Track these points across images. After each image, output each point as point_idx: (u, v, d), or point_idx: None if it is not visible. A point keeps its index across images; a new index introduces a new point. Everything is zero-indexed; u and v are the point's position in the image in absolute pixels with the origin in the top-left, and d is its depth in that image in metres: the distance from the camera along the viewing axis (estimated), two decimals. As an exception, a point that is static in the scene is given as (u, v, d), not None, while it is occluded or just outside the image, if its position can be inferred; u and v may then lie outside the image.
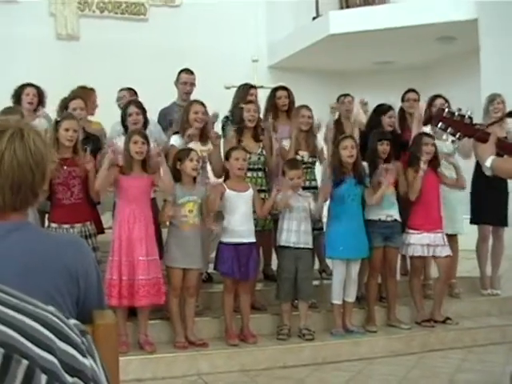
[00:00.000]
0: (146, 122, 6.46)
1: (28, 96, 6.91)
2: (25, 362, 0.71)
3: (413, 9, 10.19)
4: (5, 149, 1.80)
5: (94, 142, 6.49)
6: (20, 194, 1.86)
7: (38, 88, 7.04)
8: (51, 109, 6.88)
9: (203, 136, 6.56)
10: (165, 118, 7.26)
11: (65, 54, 10.91)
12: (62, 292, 1.86)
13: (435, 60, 11.98)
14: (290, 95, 7.55)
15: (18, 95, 6.93)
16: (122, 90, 7.59)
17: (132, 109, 6.39)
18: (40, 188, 1.92)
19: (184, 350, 5.88)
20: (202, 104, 6.58)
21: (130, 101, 6.77)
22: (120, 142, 6.12)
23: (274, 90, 7.70)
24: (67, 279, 1.88)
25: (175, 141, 6.50)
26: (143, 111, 6.43)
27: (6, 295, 0.75)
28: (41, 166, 1.87)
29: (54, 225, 5.71)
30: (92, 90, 7.51)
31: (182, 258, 5.88)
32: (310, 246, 6.37)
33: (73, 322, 0.81)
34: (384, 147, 6.57)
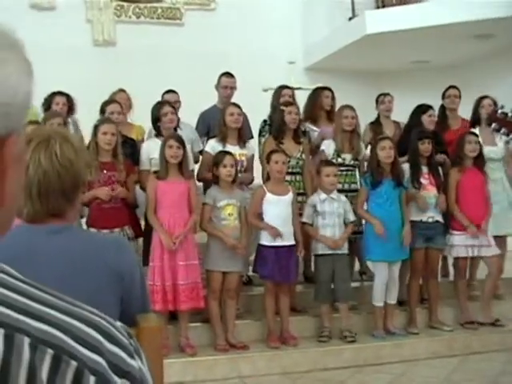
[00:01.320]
0: (177, 125, 6.52)
1: (58, 106, 6.92)
2: (74, 364, 0.71)
3: (449, 7, 10.07)
4: (30, 158, 1.85)
5: (131, 145, 6.52)
6: (50, 200, 1.90)
7: (67, 96, 7.07)
8: (86, 116, 6.93)
9: (241, 139, 6.56)
10: (204, 121, 7.28)
11: (102, 60, 10.96)
12: (105, 292, 1.87)
13: (472, 58, 11.83)
14: (333, 96, 7.54)
15: (48, 104, 6.95)
16: (167, 92, 7.55)
17: (167, 108, 6.43)
18: (75, 193, 1.96)
19: (225, 352, 5.89)
20: (238, 106, 6.60)
21: (162, 101, 6.80)
22: (154, 144, 6.15)
23: (319, 89, 7.68)
24: (110, 279, 1.89)
25: (211, 146, 6.52)
26: (176, 114, 6.50)
27: (51, 297, 0.76)
28: (70, 172, 1.91)
29: (92, 229, 5.70)
30: (123, 90, 7.50)
31: (222, 261, 5.90)
32: (346, 251, 6.34)
33: (119, 324, 0.81)
34: (425, 146, 6.50)
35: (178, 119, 6.55)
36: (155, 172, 5.99)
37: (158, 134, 6.43)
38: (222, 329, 5.99)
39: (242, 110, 6.60)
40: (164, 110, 6.42)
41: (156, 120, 6.45)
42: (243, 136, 6.66)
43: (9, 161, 0.79)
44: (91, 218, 5.85)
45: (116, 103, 6.73)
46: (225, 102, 7.27)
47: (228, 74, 7.52)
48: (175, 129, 6.45)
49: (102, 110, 6.60)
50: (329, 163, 6.42)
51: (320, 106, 7.48)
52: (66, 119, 6.53)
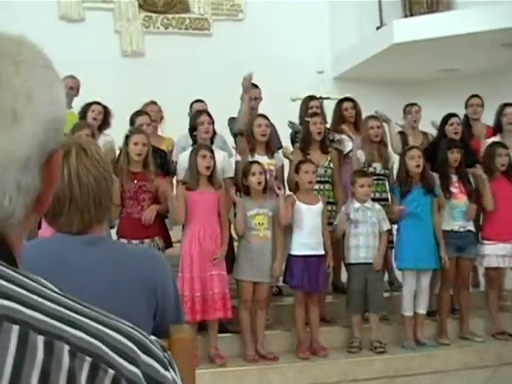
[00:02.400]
0: (214, 134, 6.49)
1: (93, 112, 6.99)
2: (111, 372, 0.72)
3: (478, 15, 10.02)
4: (77, 168, 1.88)
5: (162, 156, 6.54)
6: (102, 205, 1.93)
7: (104, 107, 7.13)
8: (115, 127, 6.98)
9: (269, 150, 6.57)
10: (234, 125, 7.27)
11: (130, 71, 11.02)
12: (139, 305, 1.88)
13: (501, 66, 11.75)
14: (355, 106, 7.53)
15: (84, 112, 7.03)
16: (196, 101, 7.56)
17: (204, 117, 6.40)
18: (113, 192, 2.05)
19: (254, 363, 5.89)
20: (266, 117, 6.59)
21: (200, 110, 6.80)
22: (185, 157, 6.17)
23: (340, 101, 7.71)
24: (145, 293, 1.90)
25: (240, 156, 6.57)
26: (213, 123, 6.45)
27: (85, 308, 0.77)
28: (110, 173, 1.98)
29: (123, 240, 5.73)
30: (154, 102, 7.51)
31: (252, 272, 5.91)
32: (379, 265, 6.32)
33: (153, 337, 0.82)
34: (455, 156, 6.47)
35: (215, 132, 6.50)
36: (184, 182, 5.99)
37: (195, 143, 6.38)
38: (251, 339, 5.98)
39: (269, 120, 6.59)
40: (201, 118, 6.39)
41: (193, 129, 6.44)
42: (271, 147, 6.65)
43: (57, 173, 0.84)
44: (121, 228, 5.89)
45: (145, 115, 6.74)
46: (251, 113, 7.27)
47: (252, 85, 7.49)
48: (212, 140, 6.43)
49: (132, 122, 6.62)
50: (363, 173, 6.42)
51: (343, 118, 7.49)
52: (94, 130, 6.57)
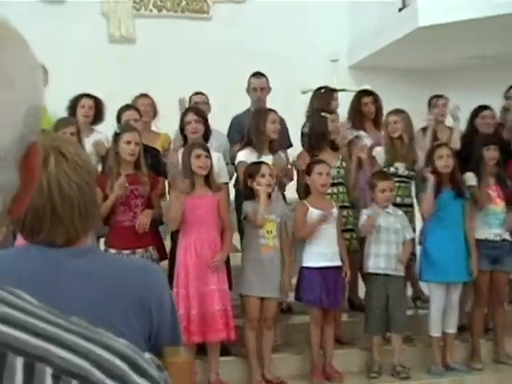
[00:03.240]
0: (207, 133, 6.50)
1: (83, 108, 6.99)
2: None
3: (513, -5, 10.02)
4: (57, 175, 1.86)
5: (154, 156, 6.53)
6: (87, 214, 1.91)
7: (95, 99, 7.13)
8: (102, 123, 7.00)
9: (273, 148, 6.56)
10: (237, 127, 7.28)
11: (119, 59, 10.99)
12: (132, 325, 1.87)
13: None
14: (376, 100, 7.53)
15: (73, 107, 7.03)
16: (196, 93, 7.65)
17: (190, 116, 6.43)
18: (97, 198, 2.03)
19: (261, 389, 5.89)
20: (276, 112, 6.61)
21: (188, 108, 6.83)
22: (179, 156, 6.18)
23: (359, 95, 7.72)
24: (138, 311, 1.89)
25: (244, 156, 6.50)
26: (204, 120, 6.47)
27: (72, 324, 0.77)
28: (93, 176, 1.98)
29: (112, 250, 5.71)
30: (145, 95, 7.51)
31: (259, 285, 5.91)
32: (402, 273, 6.31)
33: (147, 355, 0.81)
34: (491, 153, 6.45)
35: (207, 128, 6.52)
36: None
37: (186, 143, 6.43)
38: (257, 363, 5.98)
39: (279, 116, 6.62)
40: (188, 117, 6.45)
41: (182, 129, 6.51)
42: (276, 145, 6.63)
43: (37, 169, 0.84)
44: (111, 238, 5.88)
45: (133, 110, 6.76)
46: (257, 105, 7.28)
47: (257, 75, 7.53)
48: (206, 139, 6.45)
49: (119, 117, 6.65)
50: (384, 176, 6.40)
51: (362, 113, 7.50)
52: (80, 127, 6.55)
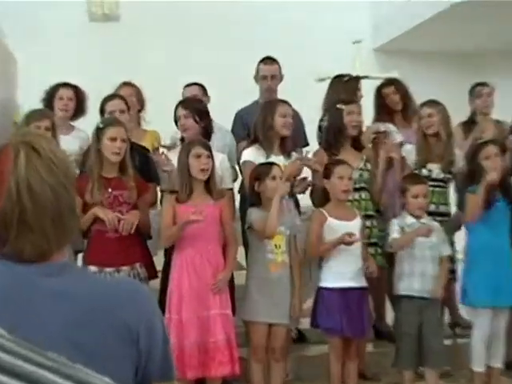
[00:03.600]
0: (207, 130, 6.47)
1: (61, 100, 6.99)
2: None
3: None
4: (28, 176, 1.82)
5: (142, 156, 6.45)
6: (63, 224, 1.89)
7: (76, 89, 7.12)
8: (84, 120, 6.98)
9: (285, 147, 6.54)
10: (242, 123, 7.27)
11: (101, 40, 11.00)
12: (116, 356, 1.85)
13: None
14: (399, 89, 7.54)
15: (49, 98, 7.02)
16: (187, 85, 7.60)
17: (179, 111, 6.45)
18: (76, 205, 2.01)
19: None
20: (289, 104, 6.60)
21: (180, 101, 6.79)
22: (174, 156, 6.15)
23: (380, 86, 7.78)
24: (124, 340, 1.87)
25: (250, 155, 6.49)
26: (198, 114, 6.42)
27: (47, 361, 0.76)
28: (71, 177, 1.94)
29: (92, 268, 5.67)
30: (128, 84, 7.44)
31: (266, 309, 5.87)
32: (439, 295, 6.26)
33: None
34: None
35: (208, 124, 6.49)
36: (172, 191, 5.96)
37: (183, 140, 6.44)
38: (265, 402, 5.97)
39: (292, 109, 6.61)
40: (177, 112, 6.48)
41: (176, 122, 6.52)
42: (289, 144, 6.60)
43: (6, 172, 0.83)
44: (91, 252, 5.86)
45: (118, 99, 6.65)
46: (267, 96, 7.28)
47: (267, 60, 7.55)
48: (207, 137, 6.40)
49: (101, 109, 6.56)
50: (417, 179, 6.36)
51: (387, 107, 7.53)
52: (74, 119, 6.53)
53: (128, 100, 6.88)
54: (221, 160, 6.34)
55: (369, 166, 6.76)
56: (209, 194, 5.85)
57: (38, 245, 1.85)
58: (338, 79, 7.58)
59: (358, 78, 7.72)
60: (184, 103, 6.57)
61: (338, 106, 6.78)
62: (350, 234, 5.89)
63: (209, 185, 5.84)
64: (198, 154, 5.75)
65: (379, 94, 7.68)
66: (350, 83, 7.48)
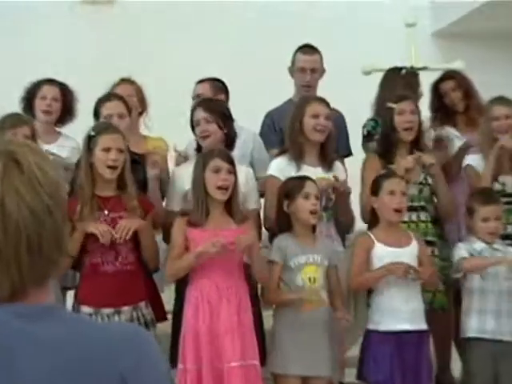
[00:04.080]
0: (230, 137, 6.45)
1: (44, 100, 6.98)
2: None
3: None
4: (3, 193, 1.81)
5: (144, 168, 6.47)
6: (43, 256, 1.87)
7: (62, 86, 7.13)
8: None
9: (324, 156, 6.54)
10: (273, 126, 7.26)
11: (94, 26, 11.03)
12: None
13: None
14: (461, 85, 7.50)
15: (29, 98, 7.03)
16: (200, 81, 7.48)
17: (199, 113, 6.39)
18: (65, 236, 1.94)
19: None
20: (325, 102, 6.57)
21: (197, 101, 6.80)
22: (186, 169, 6.15)
23: (437, 81, 7.75)
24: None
25: (277, 168, 6.50)
26: (222, 118, 6.39)
27: None
28: (59, 200, 1.91)
29: (86, 309, 5.67)
30: (127, 80, 7.40)
31: (300, 359, 5.86)
32: None
33: None
34: None
35: (230, 130, 6.44)
36: (184, 213, 5.96)
37: (199, 150, 6.38)
38: None
39: (331, 109, 6.60)
40: (195, 115, 6.41)
41: (192, 127, 6.45)
42: (329, 152, 6.60)
43: None
44: (83, 290, 5.84)
45: (117, 100, 6.62)
46: (304, 93, 7.28)
47: (307, 49, 7.50)
48: (230, 146, 6.38)
49: (96, 112, 6.53)
50: (489, 197, 6.33)
51: (445, 107, 7.55)
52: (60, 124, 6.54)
53: (128, 101, 6.83)
54: (245, 173, 6.29)
55: (430, 180, 6.70)
56: (230, 216, 5.83)
57: (8, 279, 1.85)
58: (392, 72, 7.56)
59: (416, 71, 7.69)
60: (205, 104, 6.48)
61: (388, 104, 6.79)
62: (401, 264, 5.89)
63: (230, 205, 5.81)
64: (216, 167, 5.73)
65: (436, 90, 7.66)
66: (407, 77, 7.47)
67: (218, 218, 5.80)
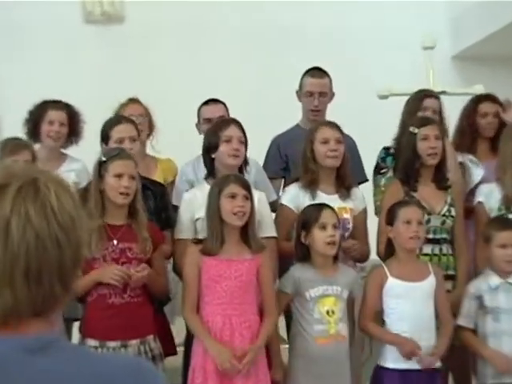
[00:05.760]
0: (246, 162, 6.42)
1: (52, 126, 6.97)
2: None
3: None
4: (11, 213, 1.82)
5: (156, 195, 6.42)
6: (42, 285, 1.88)
7: (69, 109, 7.12)
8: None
9: (341, 183, 6.52)
10: (279, 153, 7.27)
11: (100, 45, 11.08)
12: None
13: None
14: (499, 112, 7.47)
15: (34, 120, 7.01)
16: (206, 103, 7.41)
17: (232, 130, 6.27)
18: (73, 275, 1.97)
19: None
20: (337, 127, 6.56)
21: (223, 120, 6.73)
22: (203, 194, 6.09)
23: (476, 99, 7.70)
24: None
25: (291, 197, 6.48)
26: (245, 140, 6.34)
27: None
28: (73, 237, 1.91)
29: (91, 342, 5.63)
30: (134, 101, 7.42)
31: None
32: None
33: None
34: None
35: (246, 159, 6.38)
36: (198, 241, 5.92)
37: (211, 174, 6.34)
38: None
39: (343, 133, 6.57)
40: (228, 131, 6.26)
41: (208, 150, 6.36)
42: (346, 179, 6.59)
43: None
44: (89, 321, 5.79)
45: (128, 123, 6.54)
46: (312, 118, 7.28)
47: (315, 72, 7.48)
48: (241, 170, 6.34)
49: (105, 136, 6.45)
50: (505, 223, 6.30)
51: (475, 129, 7.50)
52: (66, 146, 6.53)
53: (138, 122, 6.85)
54: (258, 199, 6.17)
55: (453, 210, 6.62)
56: (246, 244, 5.77)
57: (4, 302, 1.86)
58: (416, 96, 7.52)
59: (434, 95, 7.66)
60: (239, 124, 6.37)
61: (410, 129, 6.72)
62: (411, 343, 5.83)
63: (246, 233, 5.77)
64: (232, 193, 5.66)
65: (473, 109, 7.60)
66: (417, 101, 7.44)
67: (233, 246, 5.74)
